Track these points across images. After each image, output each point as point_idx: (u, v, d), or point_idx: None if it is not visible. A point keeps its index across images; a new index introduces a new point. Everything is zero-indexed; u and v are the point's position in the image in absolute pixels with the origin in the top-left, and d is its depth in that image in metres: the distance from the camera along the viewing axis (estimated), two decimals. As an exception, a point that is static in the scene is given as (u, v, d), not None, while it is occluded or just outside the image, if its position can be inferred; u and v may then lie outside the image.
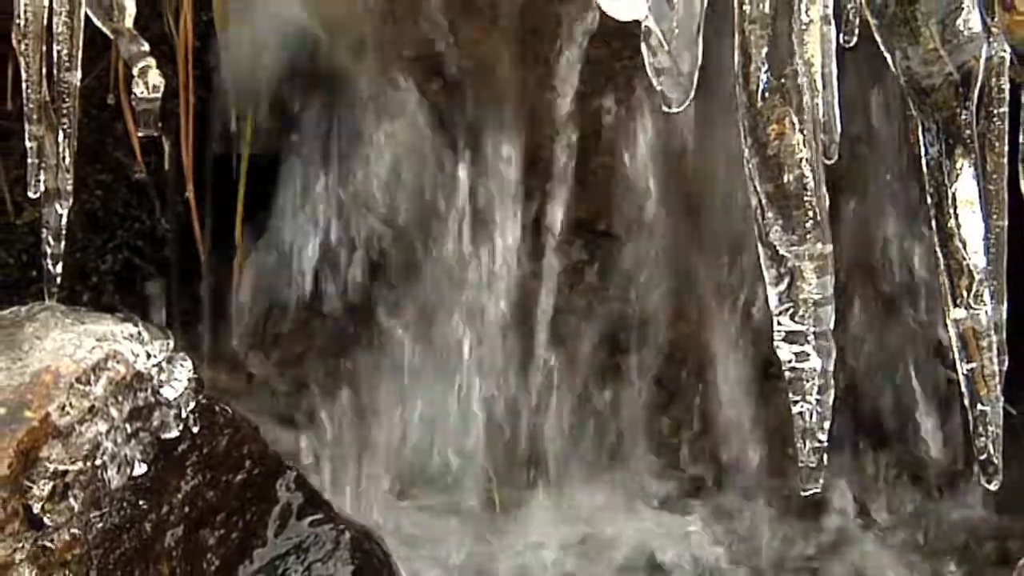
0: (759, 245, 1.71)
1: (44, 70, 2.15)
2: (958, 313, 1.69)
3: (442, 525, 2.63)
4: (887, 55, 1.66)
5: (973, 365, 1.70)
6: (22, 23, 2.13)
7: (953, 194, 1.66)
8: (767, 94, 1.68)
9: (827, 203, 1.70)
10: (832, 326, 1.73)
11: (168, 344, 2.03)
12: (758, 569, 2.55)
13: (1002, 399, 1.72)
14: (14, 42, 2.15)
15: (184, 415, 2.01)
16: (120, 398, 1.96)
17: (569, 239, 2.71)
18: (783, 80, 1.67)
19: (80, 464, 1.91)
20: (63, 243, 2.22)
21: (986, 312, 1.68)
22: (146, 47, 2.20)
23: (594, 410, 2.77)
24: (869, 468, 2.74)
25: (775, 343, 1.73)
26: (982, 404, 1.71)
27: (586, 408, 2.77)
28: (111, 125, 2.78)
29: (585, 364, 2.77)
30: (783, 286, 1.71)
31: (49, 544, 1.87)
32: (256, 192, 2.86)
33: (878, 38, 1.66)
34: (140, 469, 1.96)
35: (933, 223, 1.68)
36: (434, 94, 2.72)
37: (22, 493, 1.88)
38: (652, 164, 2.65)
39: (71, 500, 1.90)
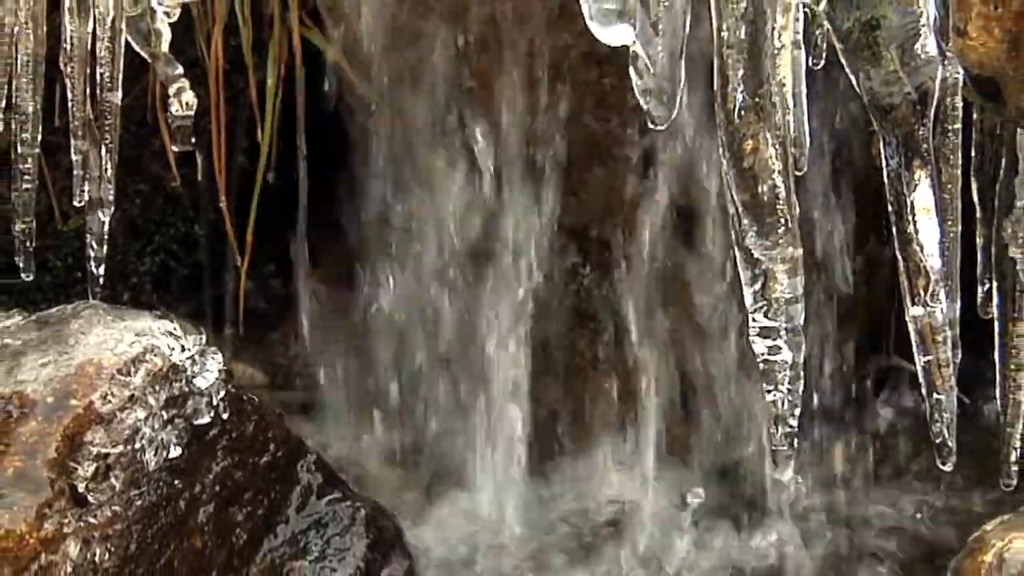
0: (735, 249, 1.71)
1: (88, 91, 2.15)
2: (916, 311, 1.68)
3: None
4: (851, 76, 1.66)
5: (930, 358, 1.70)
6: (68, 48, 2.13)
7: (912, 202, 1.66)
8: (743, 112, 1.67)
9: (797, 211, 1.70)
10: (802, 322, 1.73)
11: (200, 339, 2.03)
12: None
13: (956, 389, 1.72)
14: (61, 65, 2.15)
15: (215, 403, 2.01)
16: (157, 388, 1.96)
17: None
18: (758, 100, 1.67)
19: (121, 447, 1.91)
20: (105, 247, 2.22)
21: (941, 310, 1.68)
22: (180, 70, 2.20)
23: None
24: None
25: (750, 338, 1.73)
26: (938, 393, 1.71)
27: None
28: (149, 140, 2.78)
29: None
30: (757, 286, 1.71)
31: (93, 520, 1.87)
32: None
33: (843, 61, 1.66)
34: (175, 452, 1.96)
35: (893, 229, 1.67)
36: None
37: (68, 474, 1.88)
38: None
39: (112, 480, 1.90)
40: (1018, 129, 1.78)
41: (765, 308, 1.70)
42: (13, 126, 2.17)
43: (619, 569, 2.40)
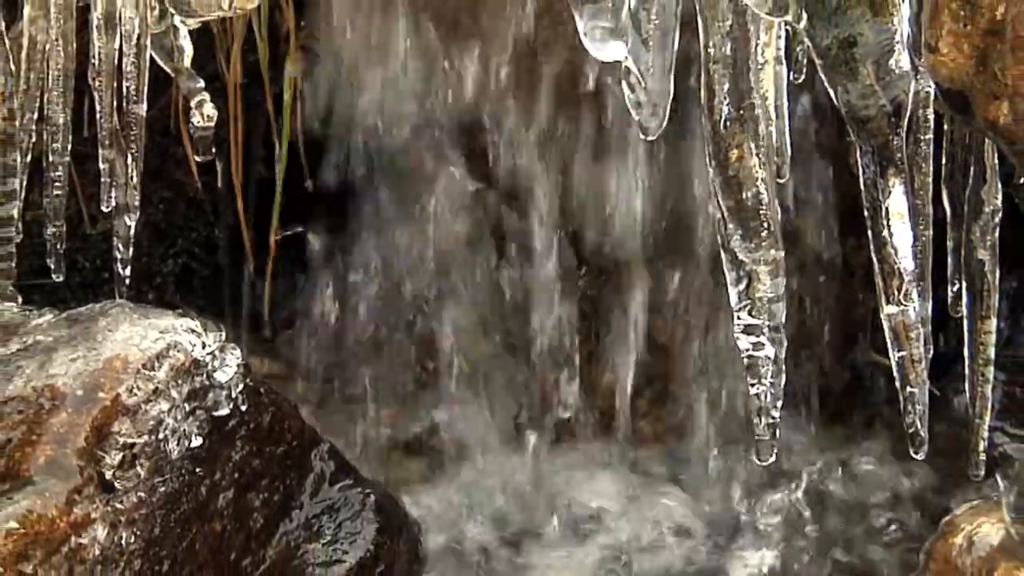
0: (721, 251, 1.71)
1: (115, 103, 2.15)
2: (890, 309, 1.69)
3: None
4: (830, 90, 1.67)
5: (903, 353, 1.70)
6: (97, 63, 2.13)
7: (886, 208, 1.66)
8: (729, 124, 1.68)
9: (779, 216, 1.70)
10: (783, 320, 1.73)
11: (220, 335, 2.03)
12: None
13: (928, 382, 1.72)
14: (90, 80, 2.15)
15: (234, 396, 2.01)
16: (180, 381, 1.96)
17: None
18: (742, 112, 1.68)
19: (146, 437, 1.91)
20: (131, 250, 2.22)
21: (914, 308, 1.68)
22: (201, 84, 2.20)
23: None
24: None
25: (735, 335, 1.73)
26: (911, 386, 1.71)
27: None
28: (172, 150, 2.78)
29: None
30: (742, 286, 1.71)
31: (119, 505, 1.87)
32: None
33: (822, 76, 1.66)
34: (196, 442, 1.96)
35: (869, 232, 1.68)
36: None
37: (96, 462, 1.88)
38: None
39: (138, 468, 1.90)
40: (986, 139, 1.78)
41: (749, 307, 1.71)
42: (45, 136, 2.17)
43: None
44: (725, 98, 1.67)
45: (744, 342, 1.72)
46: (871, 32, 1.63)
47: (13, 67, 2.13)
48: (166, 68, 2.18)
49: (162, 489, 1.91)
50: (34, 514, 1.80)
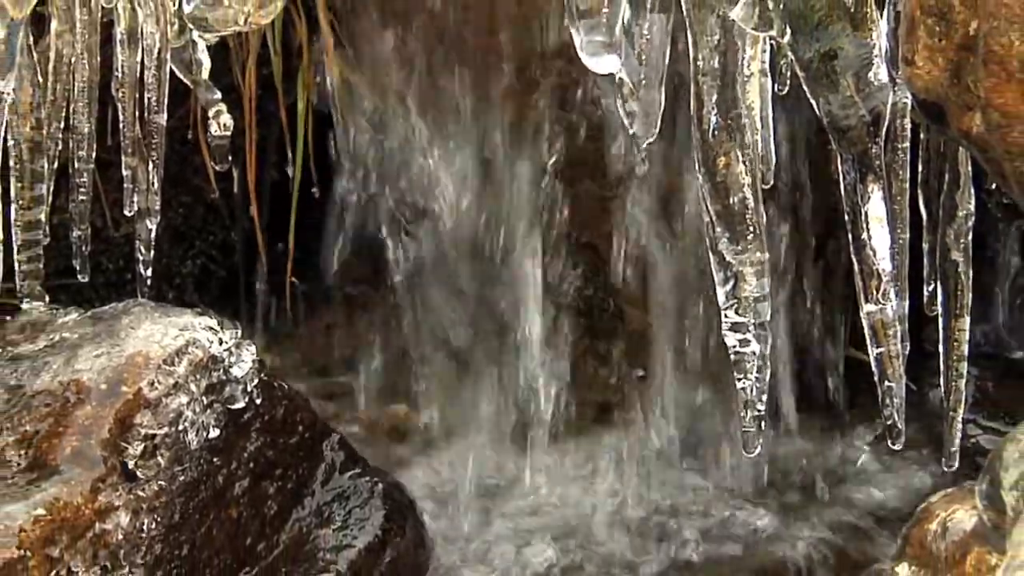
0: (710, 253, 1.71)
1: (137, 113, 2.15)
2: (869, 308, 1.68)
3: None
4: (812, 101, 1.67)
5: (882, 350, 1.70)
6: (119, 76, 2.14)
7: (866, 212, 1.66)
8: (717, 132, 1.68)
9: (764, 220, 1.70)
10: (768, 318, 1.73)
11: (236, 333, 2.03)
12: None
13: (905, 377, 1.72)
14: (113, 91, 2.15)
15: (249, 389, 2.01)
16: (198, 376, 1.96)
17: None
18: (729, 121, 1.68)
19: (166, 429, 1.91)
20: (152, 252, 2.22)
21: (892, 307, 1.68)
22: (218, 95, 2.20)
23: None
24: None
25: (723, 332, 1.73)
26: (889, 381, 1.71)
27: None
28: (191, 157, 2.78)
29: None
30: (729, 286, 1.71)
31: (141, 493, 1.87)
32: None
33: (805, 88, 1.66)
34: (214, 433, 1.96)
35: (849, 235, 1.68)
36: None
37: (119, 452, 1.88)
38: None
39: (159, 458, 1.90)
40: (959, 148, 1.78)
41: (736, 306, 1.71)
42: (71, 144, 2.17)
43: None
44: (713, 108, 1.67)
45: (731, 339, 1.72)
46: (851, 46, 1.63)
47: (41, 79, 2.13)
48: (185, 80, 2.19)
49: (181, 478, 1.91)
50: (60, 501, 1.81)
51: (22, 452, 1.88)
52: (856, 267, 1.68)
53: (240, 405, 2.00)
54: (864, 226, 1.66)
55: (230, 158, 2.28)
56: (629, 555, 2.30)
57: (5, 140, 2.06)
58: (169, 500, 1.89)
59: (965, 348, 1.87)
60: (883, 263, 1.67)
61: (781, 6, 1.63)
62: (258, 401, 2.02)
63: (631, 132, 1.80)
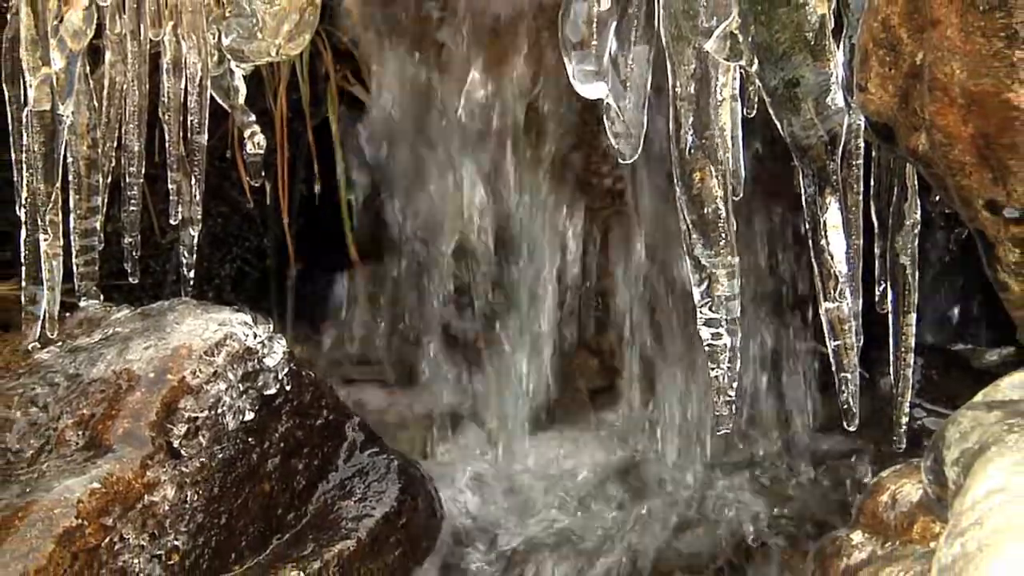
0: (686, 257, 1.71)
1: (181, 134, 2.16)
2: (828, 305, 1.68)
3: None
4: (777, 122, 1.67)
5: (838, 342, 1.70)
6: (165, 101, 2.14)
7: (824, 221, 1.66)
8: (692, 151, 1.68)
9: (735, 227, 1.70)
10: (739, 315, 1.73)
11: (269, 327, 2.03)
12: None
13: (858, 367, 1.72)
14: (160, 114, 2.16)
15: (280, 377, 2.01)
16: (235, 366, 1.96)
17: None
18: (704, 140, 1.68)
19: (207, 412, 1.92)
20: (194, 256, 2.22)
21: (847, 304, 1.68)
22: (253, 117, 2.21)
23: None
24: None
25: (698, 327, 1.73)
26: (844, 371, 1.71)
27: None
28: (228, 173, 2.78)
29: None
30: (704, 286, 1.71)
31: (185, 469, 1.88)
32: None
33: (770, 111, 1.66)
34: (249, 416, 1.96)
35: (810, 242, 1.68)
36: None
37: (165, 433, 1.89)
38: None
39: (200, 438, 1.91)
40: (907, 164, 1.78)
41: (709, 304, 1.71)
42: (123, 161, 2.18)
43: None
44: (689, 129, 1.67)
45: (705, 333, 1.72)
46: (811, 75, 1.63)
47: (96, 104, 2.13)
48: (224, 105, 2.19)
49: (220, 455, 1.92)
50: (114, 476, 1.81)
51: (80, 433, 1.88)
52: (816, 269, 1.68)
53: (272, 391, 2.00)
54: (823, 233, 1.66)
55: (263, 173, 2.28)
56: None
57: (65, 157, 2.06)
58: (209, 475, 1.90)
59: (912, 341, 1.87)
60: (840, 266, 1.67)
61: (750, 39, 1.63)
62: (288, 387, 2.02)
63: (615, 150, 1.80)
